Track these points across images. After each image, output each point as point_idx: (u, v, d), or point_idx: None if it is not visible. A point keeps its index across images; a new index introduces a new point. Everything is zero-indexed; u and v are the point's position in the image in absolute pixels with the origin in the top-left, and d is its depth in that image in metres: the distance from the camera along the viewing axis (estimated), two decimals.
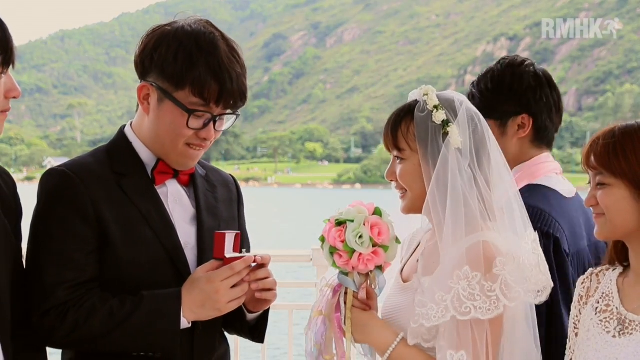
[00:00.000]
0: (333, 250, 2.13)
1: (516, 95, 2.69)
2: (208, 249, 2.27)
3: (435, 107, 2.20)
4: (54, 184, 2.18)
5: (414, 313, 2.13)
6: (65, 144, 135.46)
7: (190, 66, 2.15)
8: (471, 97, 2.71)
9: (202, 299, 2.14)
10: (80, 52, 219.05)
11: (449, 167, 2.16)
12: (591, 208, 2.10)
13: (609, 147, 2.00)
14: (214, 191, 2.42)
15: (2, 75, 1.98)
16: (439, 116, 2.19)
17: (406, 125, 2.21)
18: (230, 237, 2.21)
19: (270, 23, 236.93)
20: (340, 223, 2.14)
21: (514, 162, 2.64)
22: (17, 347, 2.08)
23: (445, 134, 2.18)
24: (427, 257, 2.23)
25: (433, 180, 2.16)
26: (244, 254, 2.22)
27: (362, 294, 2.19)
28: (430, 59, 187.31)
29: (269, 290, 2.27)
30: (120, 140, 2.32)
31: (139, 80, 2.26)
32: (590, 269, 2.23)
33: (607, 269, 2.16)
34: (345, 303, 2.19)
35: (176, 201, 2.31)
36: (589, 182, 2.09)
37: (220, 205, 2.43)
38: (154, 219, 2.22)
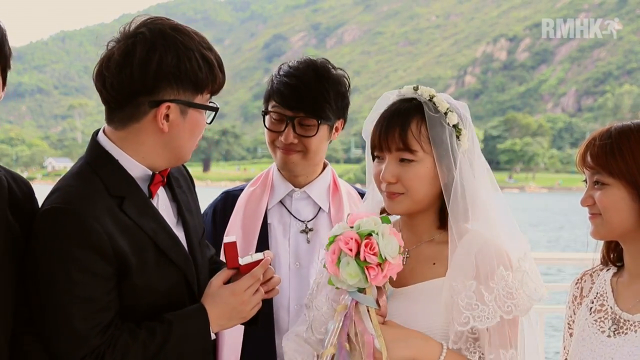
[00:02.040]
0: (365, 265, 1.99)
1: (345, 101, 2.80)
2: (195, 248, 2.26)
3: (448, 109, 2.16)
4: (64, 226, 2.02)
5: (437, 317, 2.10)
6: (66, 145, 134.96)
7: (211, 69, 2.14)
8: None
9: (228, 311, 2.14)
10: (81, 53, 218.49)
11: (464, 171, 2.14)
12: (587, 208, 2.07)
13: (605, 147, 1.98)
14: (179, 184, 2.36)
15: None
16: (453, 119, 2.15)
17: (417, 126, 2.13)
18: (235, 243, 2.19)
19: (271, 24, 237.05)
20: (365, 235, 2.02)
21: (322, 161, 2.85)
22: (15, 351, 2.04)
23: (458, 137, 2.15)
24: (441, 260, 2.18)
25: (457, 184, 2.13)
26: (255, 256, 2.20)
27: (384, 306, 2.08)
28: (430, 60, 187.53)
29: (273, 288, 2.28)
30: (104, 159, 2.16)
31: (144, 96, 2.10)
32: (584, 270, 2.22)
33: (601, 270, 2.16)
34: (370, 321, 2.06)
35: (164, 208, 2.25)
36: (585, 181, 2.07)
37: (188, 197, 2.38)
38: (161, 239, 2.15)
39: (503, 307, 2.06)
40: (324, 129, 2.70)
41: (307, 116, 2.64)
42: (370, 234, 2.01)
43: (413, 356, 2.08)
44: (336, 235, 2.06)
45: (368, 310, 2.07)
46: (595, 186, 2.01)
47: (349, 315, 2.06)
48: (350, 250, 1.99)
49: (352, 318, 2.05)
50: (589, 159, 2.02)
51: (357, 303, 2.07)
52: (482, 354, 2.13)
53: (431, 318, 2.13)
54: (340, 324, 2.07)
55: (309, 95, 2.62)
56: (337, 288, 2.10)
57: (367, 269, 1.99)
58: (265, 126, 2.73)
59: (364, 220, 2.05)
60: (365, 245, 1.99)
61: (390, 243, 2.02)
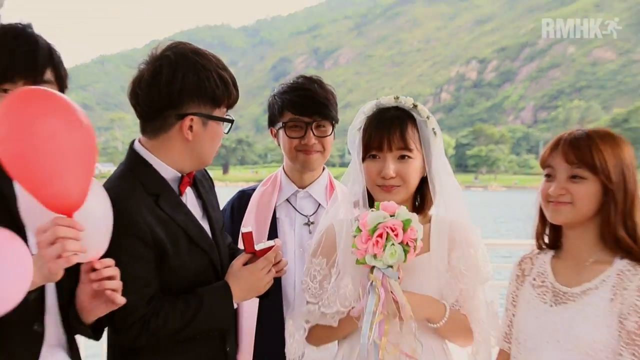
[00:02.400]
0: (408, 248, 1.98)
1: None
2: (218, 237, 2.27)
3: (428, 115, 2.18)
4: (119, 216, 1.97)
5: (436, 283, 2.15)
6: (109, 152, 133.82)
7: (226, 87, 2.12)
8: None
9: (247, 287, 2.17)
10: (118, 74, 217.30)
11: (440, 165, 2.18)
12: (553, 196, 2.01)
13: (590, 146, 1.94)
14: (203, 185, 2.34)
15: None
16: (432, 123, 2.17)
17: (412, 129, 2.13)
18: (251, 233, 2.22)
19: (277, 48, 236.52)
20: (408, 223, 1.98)
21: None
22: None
23: (431, 135, 2.17)
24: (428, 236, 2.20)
25: (440, 176, 2.18)
26: (267, 243, 2.23)
27: (402, 279, 2.06)
28: (412, 79, 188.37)
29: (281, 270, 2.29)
30: (140, 164, 2.15)
31: (171, 110, 2.08)
32: (523, 254, 2.22)
33: (539, 253, 2.16)
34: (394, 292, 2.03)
35: (192, 204, 2.24)
36: (547, 175, 2.04)
37: (210, 196, 2.37)
38: (191, 229, 2.15)
39: (487, 268, 2.17)
40: (331, 129, 2.68)
41: (322, 119, 2.62)
42: (408, 221, 1.98)
43: (430, 315, 2.11)
44: (380, 221, 1.99)
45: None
46: (573, 179, 1.96)
47: (386, 287, 2.01)
48: (397, 236, 1.96)
49: (389, 289, 2.01)
50: (571, 155, 1.96)
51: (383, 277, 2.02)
52: (460, 307, 2.17)
53: (428, 286, 2.13)
54: (383, 295, 2.01)
55: (319, 102, 2.60)
56: (359, 263, 2.03)
57: (406, 251, 1.97)
58: (286, 135, 2.66)
59: (401, 211, 2.00)
60: (411, 231, 1.97)
61: (420, 229, 2.01)
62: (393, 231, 1.98)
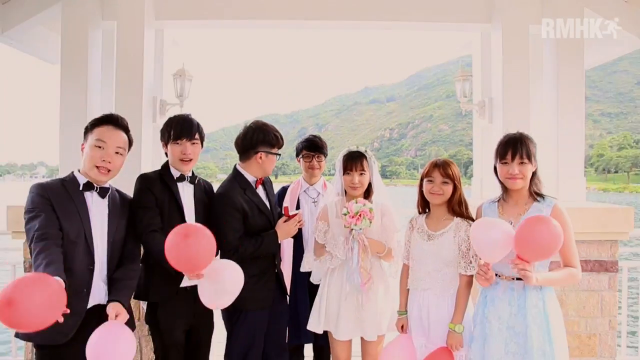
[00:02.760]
0: (371, 221, 1.88)
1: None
2: (273, 209, 2.03)
3: (372, 155, 2.04)
4: (227, 198, 1.87)
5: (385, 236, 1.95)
6: (224, 169, 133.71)
7: (277, 138, 1.98)
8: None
9: (285, 233, 1.98)
10: (230, 137, 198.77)
11: (376, 178, 2.04)
12: (435, 189, 1.86)
13: (449, 167, 1.86)
14: (267, 183, 2.10)
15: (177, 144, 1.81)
16: (373, 158, 2.02)
17: (365, 161, 1.98)
18: (288, 207, 2.11)
19: (300, 123, 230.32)
20: (371, 209, 1.88)
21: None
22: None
23: (373, 164, 2.03)
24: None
25: (377, 182, 2.02)
26: (295, 212, 2.04)
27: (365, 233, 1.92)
28: (361, 138, 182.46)
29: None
30: (238, 174, 1.97)
31: (252, 150, 1.94)
32: (412, 217, 1.99)
33: (419, 216, 1.97)
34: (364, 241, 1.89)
35: (261, 194, 2.03)
36: (429, 180, 1.88)
37: (270, 188, 2.14)
38: (260, 204, 1.96)
39: (397, 224, 1.98)
40: (324, 158, 2.50)
41: (320, 154, 2.43)
42: (371, 209, 1.89)
43: (377, 250, 1.96)
44: (360, 209, 1.88)
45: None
46: (443, 183, 1.86)
47: (361, 238, 1.91)
48: (367, 215, 1.88)
49: (362, 239, 1.91)
50: (443, 171, 1.85)
51: (358, 234, 1.90)
52: (388, 244, 1.98)
53: (374, 235, 1.97)
54: (359, 242, 1.91)
55: (319, 146, 2.42)
56: (346, 227, 1.90)
57: (370, 222, 1.88)
58: (304, 161, 2.44)
59: (368, 204, 1.89)
60: (371, 213, 1.88)
61: (376, 214, 1.92)
62: (365, 213, 1.91)
